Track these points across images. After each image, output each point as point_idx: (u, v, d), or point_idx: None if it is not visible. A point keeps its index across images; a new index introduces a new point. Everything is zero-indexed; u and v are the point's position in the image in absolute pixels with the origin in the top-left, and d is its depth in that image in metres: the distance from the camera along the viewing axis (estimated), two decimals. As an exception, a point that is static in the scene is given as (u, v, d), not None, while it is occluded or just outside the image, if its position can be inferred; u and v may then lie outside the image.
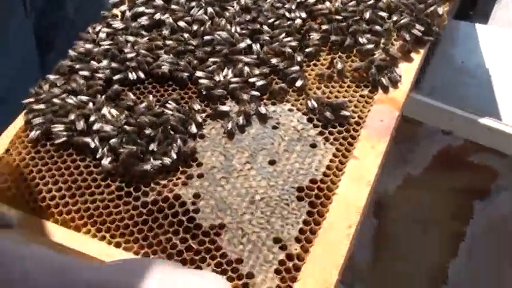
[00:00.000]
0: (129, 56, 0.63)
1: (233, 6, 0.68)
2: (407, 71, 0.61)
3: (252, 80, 0.60)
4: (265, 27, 0.65)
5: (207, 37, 0.65)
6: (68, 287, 0.35)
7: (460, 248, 1.27)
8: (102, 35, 0.67)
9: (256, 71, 0.61)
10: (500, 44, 1.90)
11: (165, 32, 0.67)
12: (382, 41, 0.63)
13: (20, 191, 0.54)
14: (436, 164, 1.23)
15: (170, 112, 0.58)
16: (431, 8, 0.64)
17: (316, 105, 0.57)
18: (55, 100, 0.60)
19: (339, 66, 0.60)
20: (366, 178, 0.53)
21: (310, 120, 0.58)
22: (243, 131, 0.57)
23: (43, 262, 0.37)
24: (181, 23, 0.67)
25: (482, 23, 2.04)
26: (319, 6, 0.67)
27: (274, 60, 0.62)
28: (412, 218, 1.32)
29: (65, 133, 0.57)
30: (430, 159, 1.23)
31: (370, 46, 0.62)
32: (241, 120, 0.57)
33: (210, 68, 0.62)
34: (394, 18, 0.64)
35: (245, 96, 0.59)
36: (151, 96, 0.60)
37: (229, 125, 0.57)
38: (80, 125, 0.57)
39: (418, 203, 1.28)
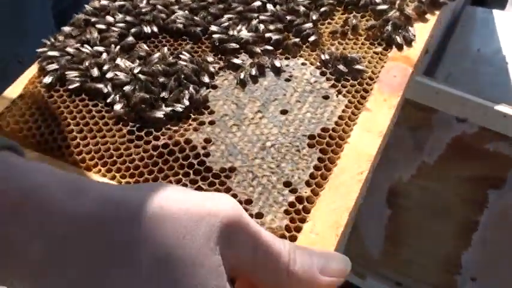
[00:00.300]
0: (144, 10, 0.63)
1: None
2: (421, 30, 0.61)
3: (267, 35, 0.60)
4: (282, -13, 0.66)
5: (224, -5, 0.65)
6: (80, 195, 0.35)
7: (473, 238, 1.26)
8: (118, -7, 0.68)
9: (271, 27, 0.61)
10: (518, 30, 1.83)
11: (181, -9, 0.67)
12: (398, 2, 0.63)
13: (32, 133, 0.54)
14: (450, 152, 1.22)
15: (184, 63, 0.58)
16: (448, -29, 0.64)
17: (329, 58, 0.57)
18: (69, 49, 0.60)
19: (354, 22, 0.60)
20: (378, 129, 0.53)
21: (323, 73, 0.58)
22: (256, 82, 0.57)
23: (54, 174, 0.37)
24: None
25: (499, 8, 2.02)
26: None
27: (289, 17, 0.62)
28: (426, 206, 1.31)
29: (78, 79, 0.57)
30: (444, 147, 1.22)
31: (385, 6, 0.62)
32: (254, 71, 0.57)
33: (224, 24, 0.62)
34: (410, -21, 0.64)
35: (258, 49, 0.59)
36: (165, 48, 0.61)
37: (242, 75, 0.57)
38: (95, 72, 0.57)
39: (432, 191, 1.27)
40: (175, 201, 0.36)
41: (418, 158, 1.25)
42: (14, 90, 0.59)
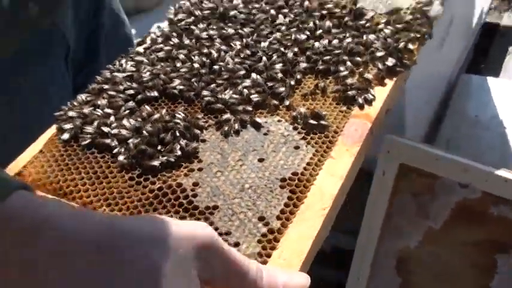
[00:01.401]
0: (146, 78, 0.75)
1: (236, 44, 0.80)
2: (380, 92, 0.72)
3: (250, 96, 0.71)
4: (264, 58, 0.77)
5: (214, 67, 0.77)
6: (84, 221, 0.44)
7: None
8: (127, 66, 0.80)
9: (253, 91, 0.72)
10: (513, 96, 1.92)
11: (179, 64, 0.79)
12: (360, 70, 0.74)
13: (49, 181, 0.65)
14: (455, 217, 1.24)
15: (178, 120, 0.69)
16: (402, 44, 0.76)
17: (298, 114, 0.68)
18: (83, 111, 0.72)
19: (322, 85, 0.72)
20: (339, 173, 0.63)
21: (295, 128, 0.68)
22: (238, 135, 0.67)
23: (62, 205, 0.46)
24: (193, 58, 0.80)
25: (494, 75, 2.12)
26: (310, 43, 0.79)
27: (269, 84, 0.74)
28: (436, 272, 1.31)
29: (89, 136, 0.68)
30: (449, 212, 1.25)
31: (347, 73, 0.73)
32: (237, 126, 0.68)
33: (215, 89, 0.74)
34: (371, 50, 0.76)
35: (241, 108, 0.70)
36: (164, 110, 0.72)
37: (227, 128, 0.67)
38: (104, 130, 0.68)
39: (440, 256, 1.28)
40: (160, 228, 0.45)
41: (424, 224, 1.28)
42: (35, 147, 0.70)
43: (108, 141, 0.67)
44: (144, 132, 0.67)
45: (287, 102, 0.71)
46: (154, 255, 0.43)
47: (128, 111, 0.71)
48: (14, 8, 0.81)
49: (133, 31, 1.20)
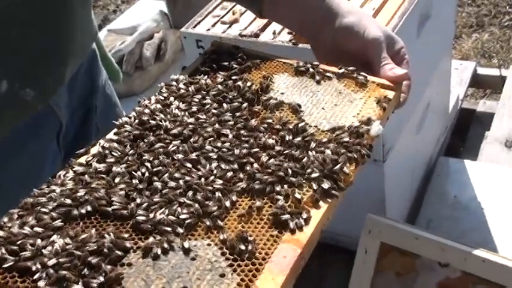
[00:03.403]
0: (81, 194, 0.74)
1: (178, 158, 0.81)
2: (314, 215, 0.71)
3: (182, 216, 0.71)
4: (203, 179, 0.77)
5: (153, 183, 0.77)
6: None
7: None
8: (65, 179, 0.79)
9: (185, 211, 0.72)
10: (490, 179, 2.01)
11: (117, 179, 0.79)
12: (296, 190, 0.74)
13: (-37, 307, 0.62)
14: None
15: (105, 241, 0.67)
16: (338, 166, 0.76)
17: (227, 237, 0.67)
18: (12, 229, 0.70)
19: (257, 204, 0.71)
20: (262, 304, 0.61)
21: (223, 254, 0.67)
22: (166, 259, 0.66)
23: None
24: (134, 173, 0.79)
25: (472, 158, 2.17)
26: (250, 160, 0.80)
27: (205, 203, 0.73)
28: None
29: (12, 258, 0.66)
30: None
31: (281, 195, 0.73)
32: (165, 244, 0.67)
33: (151, 207, 0.73)
34: (307, 171, 0.76)
35: (170, 229, 0.69)
36: (93, 230, 0.70)
37: (154, 250, 0.66)
38: (27, 251, 0.67)
39: None
40: None
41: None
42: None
43: (29, 264, 0.65)
44: (68, 255, 0.65)
45: (220, 224, 0.71)
46: None
47: (55, 230, 0.70)
48: (10, 92, 0.85)
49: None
